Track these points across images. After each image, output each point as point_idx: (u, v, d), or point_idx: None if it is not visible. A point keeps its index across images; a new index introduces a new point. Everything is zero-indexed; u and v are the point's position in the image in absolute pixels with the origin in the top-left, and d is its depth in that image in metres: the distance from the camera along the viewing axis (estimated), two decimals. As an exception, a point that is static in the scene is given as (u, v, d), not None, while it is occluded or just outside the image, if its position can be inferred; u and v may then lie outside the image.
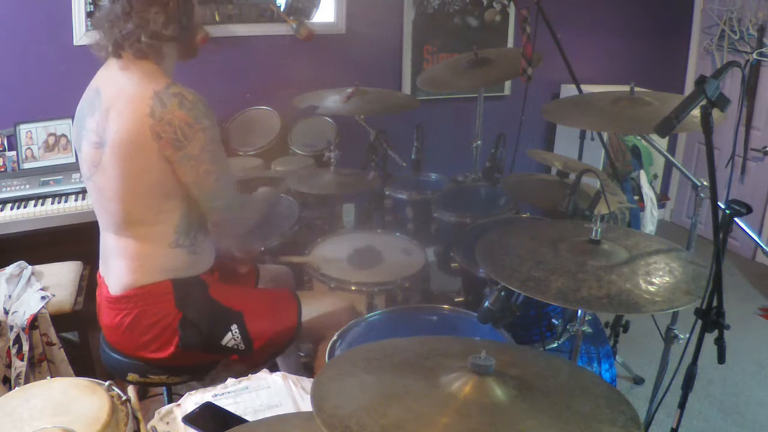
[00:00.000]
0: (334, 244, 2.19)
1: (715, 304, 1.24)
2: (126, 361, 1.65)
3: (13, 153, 2.60)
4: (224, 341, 1.64)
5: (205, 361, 1.73)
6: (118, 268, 1.58)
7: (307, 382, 1.44)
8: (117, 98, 1.46)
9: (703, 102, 1.22)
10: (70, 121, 2.61)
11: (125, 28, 1.44)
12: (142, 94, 1.44)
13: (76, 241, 2.38)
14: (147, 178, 1.48)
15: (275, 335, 1.71)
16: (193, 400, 1.35)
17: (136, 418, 1.25)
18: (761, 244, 1.80)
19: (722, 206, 1.32)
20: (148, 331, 1.58)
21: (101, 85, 1.52)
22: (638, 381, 2.61)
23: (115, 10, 1.45)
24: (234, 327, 1.65)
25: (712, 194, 1.24)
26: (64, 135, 2.64)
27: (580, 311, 1.62)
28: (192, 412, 1.30)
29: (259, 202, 1.87)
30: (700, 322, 1.26)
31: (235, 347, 1.66)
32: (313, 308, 1.83)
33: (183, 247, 1.59)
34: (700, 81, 1.22)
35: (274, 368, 1.58)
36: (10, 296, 2.01)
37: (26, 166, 2.60)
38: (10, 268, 2.13)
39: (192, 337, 1.59)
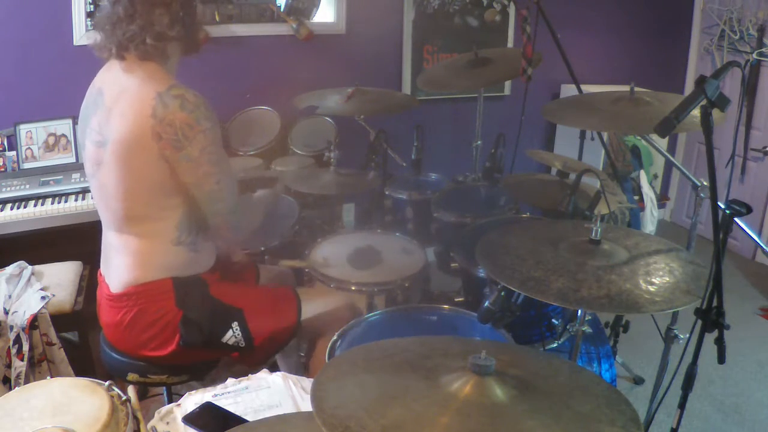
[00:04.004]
0: (334, 244, 2.19)
1: (715, 304, 1.24)
2: (126, 360, 1.65)
3: (13, 153, 2.60)
4: (225, 339, 1.65)
5: (206, 360, 1.74)
6: (119, 266, 1.58)
7: (307, 382, 1.44)
8: (120, 98, 1.46)
9: (703, 102, 1.22)
10: (70, 121, 2.62)
11: (129, 30, 1.44)
12: (145, 95, 1.44)
13: (76, 241, 2.38)
14: (147, 177, 1.49)
15: (276, 332, 1.72)
16: (193, 400, 1.35)
17: (136, 418, 1.25)
18: (761, 244, 1.80)
19: (722, 206, 1.32)
20: (149, 328, 1.58)
21: (104, 86, 1.52)
22: (638, 381, 2.61)
23: (117, 12, 1.45)
24: (235, 324, 1.65)
25: (712, 194, 1.24)
26: (64, 135, 2.64)
27: (580, 311, 1.62)
28: (192, 412, 1.30)
29: (259, 207, 1.87)
30: (700, 322, 1.26)
31: (236, 344, 1.66)
32: (312, 306, 1.83)
33: (184, 244, 1.59)
34: (700, 81, 1.22)
35: (274, 368, 1.58)
36: (10, 296, 2.01)
37: (26, 166, 2.60)
38: (10, 268, 2.12)
39: (193, 335, 1.59)
